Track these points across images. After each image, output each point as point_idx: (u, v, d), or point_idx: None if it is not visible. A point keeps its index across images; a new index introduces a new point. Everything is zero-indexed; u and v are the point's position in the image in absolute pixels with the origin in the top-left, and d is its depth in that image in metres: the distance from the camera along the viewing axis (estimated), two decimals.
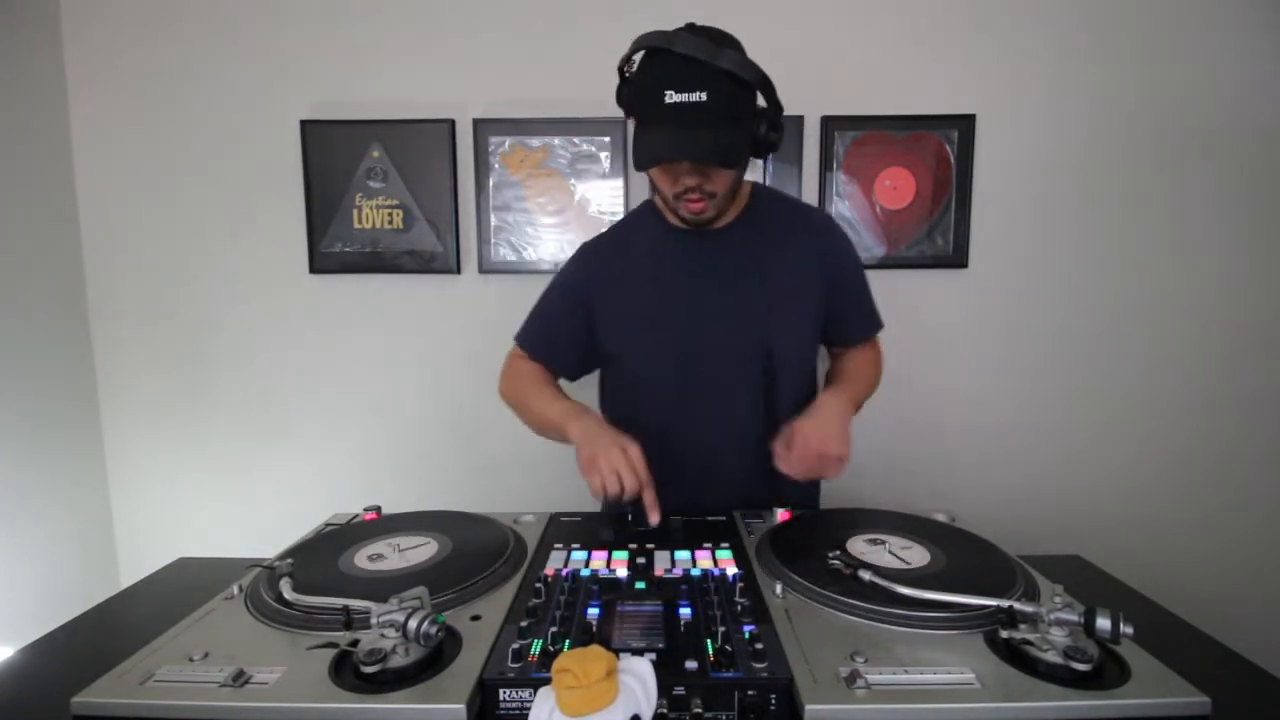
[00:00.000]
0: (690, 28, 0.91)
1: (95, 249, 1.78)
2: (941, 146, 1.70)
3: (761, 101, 0.96)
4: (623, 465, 0.88)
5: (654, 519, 0.89)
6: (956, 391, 1.79)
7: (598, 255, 1.13)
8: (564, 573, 0.79)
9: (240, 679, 0.59)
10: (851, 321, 1.17)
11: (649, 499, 0.90)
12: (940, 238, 1.73)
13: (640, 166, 0.94)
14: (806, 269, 1.08)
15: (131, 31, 1.71)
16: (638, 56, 0.94)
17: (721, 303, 1.06)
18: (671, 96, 0.87)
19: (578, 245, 1.71)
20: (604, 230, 1.19)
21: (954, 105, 1.69)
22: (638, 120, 0.94)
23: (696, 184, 0.96)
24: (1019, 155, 1.71)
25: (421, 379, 1.81)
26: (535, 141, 1.71)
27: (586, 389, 1.21)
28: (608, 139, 1.70)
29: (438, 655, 0.61)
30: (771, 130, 0.97)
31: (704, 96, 0.87)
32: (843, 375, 1.15)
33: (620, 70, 0.98)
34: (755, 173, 1.72)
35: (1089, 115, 1.70)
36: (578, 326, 1.11)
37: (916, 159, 1.70)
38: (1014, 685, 0.58)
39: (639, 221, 1.14)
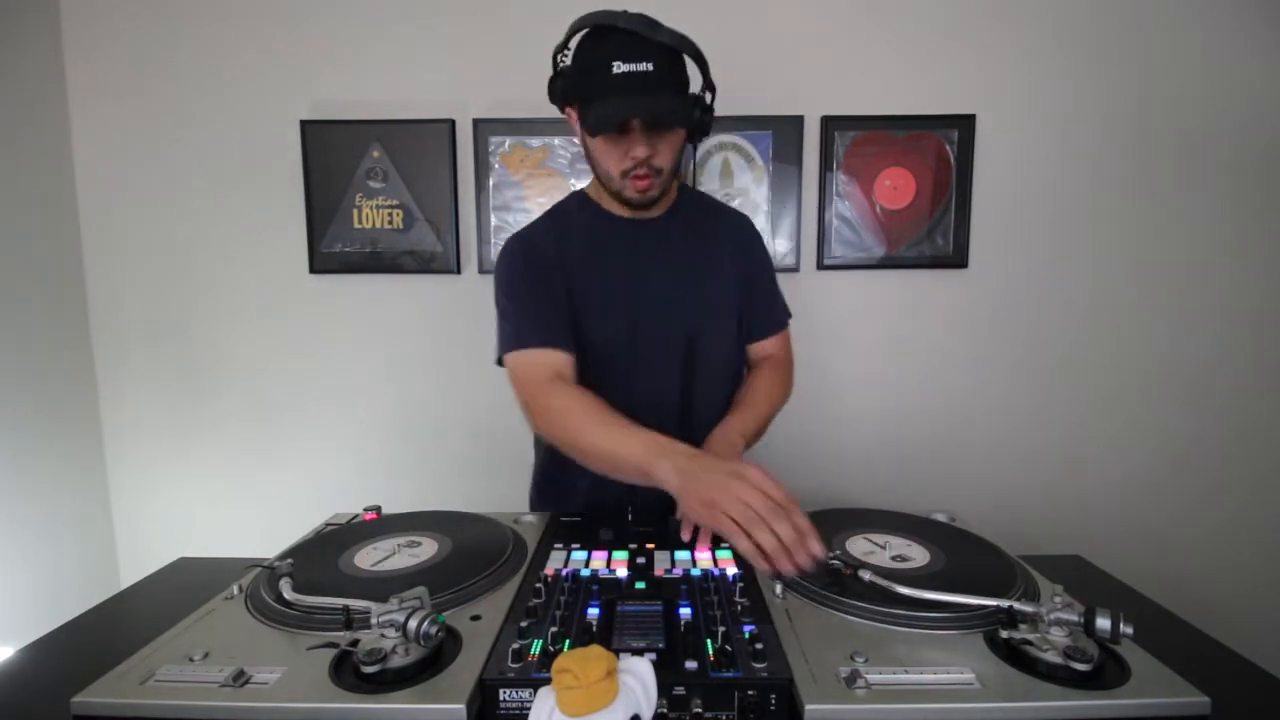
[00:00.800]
0: (625, 13, 0.94)
1: (95, 249, 1.78)
2: (941, 146, 1.70)
3: (695, 88, 1.00)
4: (756, 499, 0.70)
5: (802, 559, 0.65)
6: (956, 391, 1.79)
7: (533, 245, 1.09)
8: (564, 573, 0.79)
9: (240, 679, 0.59)
10: (754, 317, 1.19)
11: (791, 537, 0.67)
12: (940, 238, 1.73)
13: (594, 132, 0.95)
14: (729, 263, 1.13)
15: (131, 32, 1.71)
16: (575, 41, 0.97)
17: (649, 290, 1.08)
18: (619, 67, 0.91)
19: None
20: (529, 224, 1.15)
21: (954, 105, 1.69)
22: (583, 98, 0.96)
23: (646, 156, 0.97)
24: (1019, 155, 1.71)
25: (421, 379, 1.81)
26: (535, 141, 1.71)
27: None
28: None
29: (438, 655, 0.61)
30: (705, 112, 1.01)
31: (650, 67, 0.91)
32: (738, 402, 1.12)
33: (555, 60, 1.00)
34: (761, 176, 1.72)
35: (1089, 115, 1.70)
36: (560, 302, 1.05)
37: (916, 159, 1.70)
38: (1014, 685, 0.58)
39: (571, 211, 1.14)
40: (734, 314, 1.15)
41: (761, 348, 1.21)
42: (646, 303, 1.08)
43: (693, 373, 1.10)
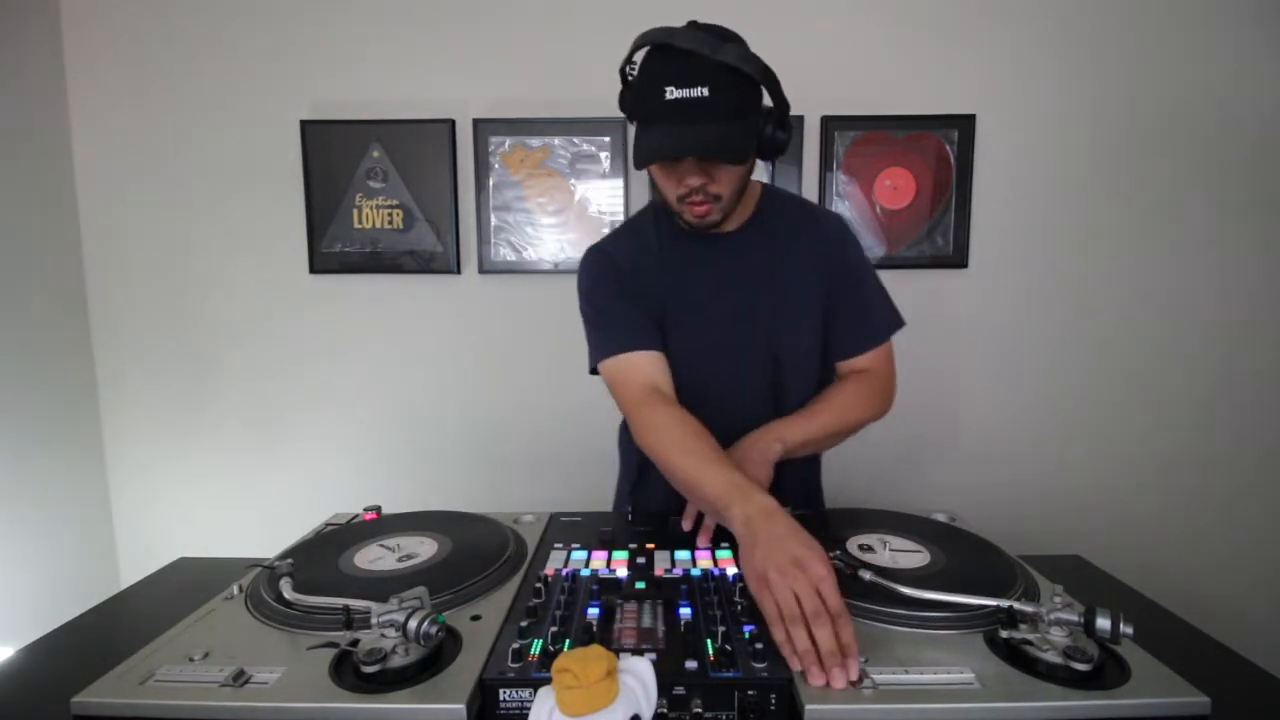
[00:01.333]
0: (693, 24, 0.89)
1: (95, 249, 1.78)
2: (941, 146, 1.70)
3: (767, 100, 0.94)
4: (808, 596, 0.63)
5: (837, 680, 0.58)
6: (956, 391, 1.79)
7: (611, 256, 1.07)
8: (564, 573, 0.79)
9: (240, 679, 0.59)
10: (840, 329, 1.07)
11: (829, 647, 0.60)
12: (940, 238, 1.73)
13: (640, 165, 0.90)
14: (813, 272, 1.05)
15: (131, 32, 1.71)
16: (639, 56, 0.92)
17: (729, 308, 1.04)
18: (672, 93, 0.85)
19: (577, 245, 1.73)
20: (607, 234, 1.14)
21: (954, 105, 1.69)
22: (638, 120, 0.92)
23: (701, 184, 0.92)
24: (1019, 155, 1.71)
25: (422, 379, 1.81)
26: (535, 141, 1.71)
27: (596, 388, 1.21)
28: (608, 139, 1.70)
29: (438, 655, 0.61)
30: (779, 130, 0.94)
31: (705, 92, 0.84)
32: (802, 408, 1.05)
33: (622, 73, 0.95)
34: (762, 175, 1.72)
35: (1089, 115, 1.70)
36: (645, 307, 1.03)
37: (916, 159, 1.70)
38: (1014, 685, 0.58)
39: (645, 224, 1.10)
40: (815, 330, 1.06)
41: (853, 364, 1.08)
42: (722, 321, 1.04)
43: (780, 390, 1.05)
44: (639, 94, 0.91)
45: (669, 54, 0.87)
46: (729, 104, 0.87)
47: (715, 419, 1.02)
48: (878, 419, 1.08)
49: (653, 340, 1.00)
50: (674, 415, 0.93)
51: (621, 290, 1.03)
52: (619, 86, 0.97)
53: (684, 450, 0.88)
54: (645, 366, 0.99)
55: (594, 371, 1.05)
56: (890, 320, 1.10)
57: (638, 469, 1.14)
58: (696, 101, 0.85)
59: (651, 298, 1.03)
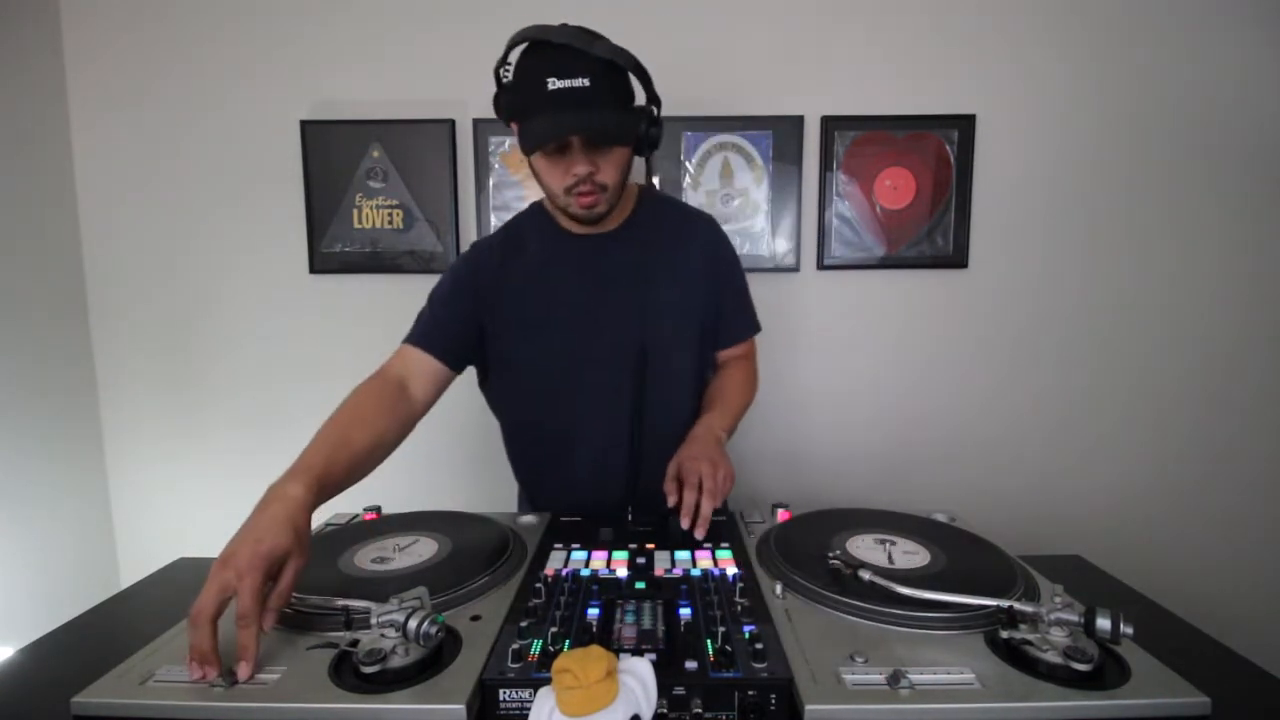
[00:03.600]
0: (564, 26, 0.93)
1: (95, 249, 1.78)
2: (941, 146, 1.70)
3: (640, 99, 0.99)
4: (232, 577, 0.61)
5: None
6: (956, 391, 1.79)
7: (490, 254, 1.12)
8: (564, 573, 0.79)
9: (231, 679, 0.58)
10: (726, 321, 1.17)
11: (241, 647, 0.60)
12: (940, 238, 1.73)
13: (529, 150, 0.94)
14: (689, 271, 1.11)
15: (131, 32, 1.71)
16: (514, 56, 0.96)
17: (599, 304, 1.07)
18: (554, 84, 0.89)
19: None
20: (495, 230, 1.18)
21: (954, 105, 1.69)
22: (520, 115, 0.95)
23: (588, 172, 0.95)
24: (1019, 155, 1.71)
25: None
26: None
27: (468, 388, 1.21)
28: None
29: (438, 655, 0.61)
30: (652, 126, 1.00)
31: (586, 82, 0.89)
32: (712, 400, 1.12)
33: (497, 75, 0.99)
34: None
35: (1089, 115, 1.70)
36: (467, 317, 1.09)
37: (916, 159, 1.70)
38: (1014, 685, 0.58)
39: (529, 223, 1.14)
40: (696, 320, 1.12)
41: (733, 351, 1.20)
42: (594, 317, 1.07)
43: (643, 382, 1.08)
44: (519, 89, 0.95)
45: (548, 49, 0.91)
46: (610, 93, 0.92)
47: (586, 412, 1.09)
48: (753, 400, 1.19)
49: (437, 347, 1.08)
50: (355, 395, 1.06)
51: (460, 295, 1.09)
52: (496, 94, 1.00)
53: (328, 424, 1.02)
54: (408, 360, 1.08)
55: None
56: (755, 323, 1.22)
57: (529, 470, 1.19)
58: (579, 90, 0.89)
59: (519, 296, 1.07)
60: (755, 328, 1.21)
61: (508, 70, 0.98)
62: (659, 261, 1.09)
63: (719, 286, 1.14)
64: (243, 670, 0.59)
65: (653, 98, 1.00)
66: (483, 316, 1.09)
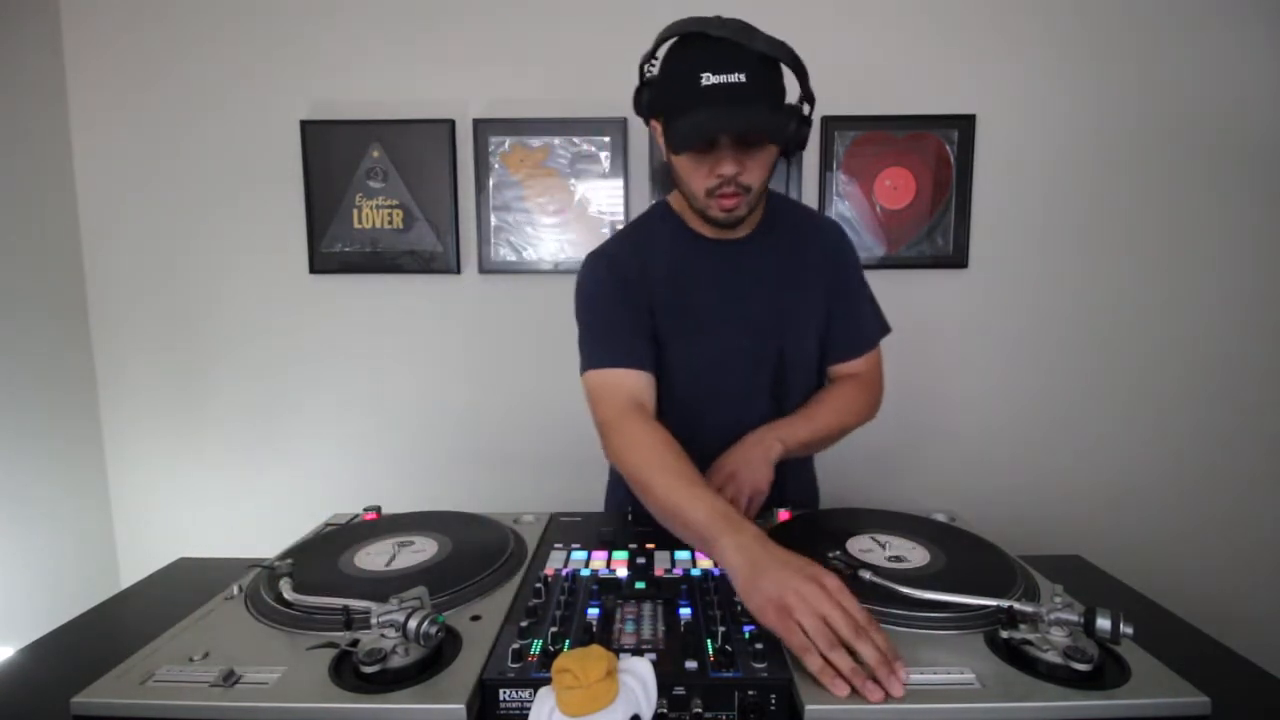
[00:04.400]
0: (719, 18, 0.88)
1: (95, 249, 1.78)
2: (941, 146, 1.70)
3: (792, 96, 0.93)
4: (836, 615, 0.60)
5: (896, 690, 0.56)
6: (956, 391, 1.79)
7: (616, 262, 1.04)
8: (564, 573, 0.79)
9: (230, 679, 0.58)
10: (838, 334, 1.10)
11: (876, 658, 0.58)
12: (940, 238, 1.73)
13: (680, 149, 0.88)
14: (817, 278, 1.07)
15: (131, 32, 1.71)
16: (663, 50, 0.91)
17: (739, 313, 1.03)
18: (709, 79, 0.83)
19: (577, 245, 1.73)
20: (611, 238, 1.11)
21: (954, 105, 1.69)
22: (668, 111, 0.89)
23: (734, 173, 0.90)
24: (1019, 155, 1.71)
25: (422, 379, 1.81)
26: (535, 141, 1.71)
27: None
28: (608, 139, 1.70)
29: (438, 655, 0.61)
30: (802, 124, 0.94)
31: (742, 78, 0.83)
32: (801, 409, 1.06)
33: (641, 70, 0.94)
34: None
35: (1089, 115, 1.70)
36: (644, 321, 1.01)
37: (916, 159, 1.70)
38: (1014, 685, 0.58)
39: (659, 226, 1.08)
40: (820, 331, 1.08)
41: (846, 368, 1.12)
42: (733, 326, 1.03)
43: (781, 395, 1.05)
44: (669, 84, 0.89)
45: (703, 42, 0.86)
46: (765, 89, 0.86)
47: (719, 421, 1.03)
48: (868, 421, 1.11)
49: (645, 359, 0.98)
50: (652, 431, 0.89)
51: (623, 299, 1.00)
52: (619, 86, 0.95)
53: (663, 469, 0.83)
54: (630, 382, 0.96)
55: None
56: (881, 326, 1.13)
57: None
58: (735, 86, 0.84)
59: (656, 303, 1.02)
60: (874, 341, 1.12)
61: (654, 65, 0.93)
62: (792, 269, 1.05)
63: (834, 297, 1.08)
64: (905, 675, 0.57)
65: (807, 94, 0.94)
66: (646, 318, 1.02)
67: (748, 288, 1.04)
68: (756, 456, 0.96)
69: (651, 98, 0.93)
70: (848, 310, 1.09)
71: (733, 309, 1.03)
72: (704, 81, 0.84)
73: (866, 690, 0.56)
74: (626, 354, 0.97)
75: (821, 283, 1.07)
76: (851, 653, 0.59)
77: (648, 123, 0.97)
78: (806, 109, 0.94)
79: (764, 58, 0.85)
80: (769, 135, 0.88)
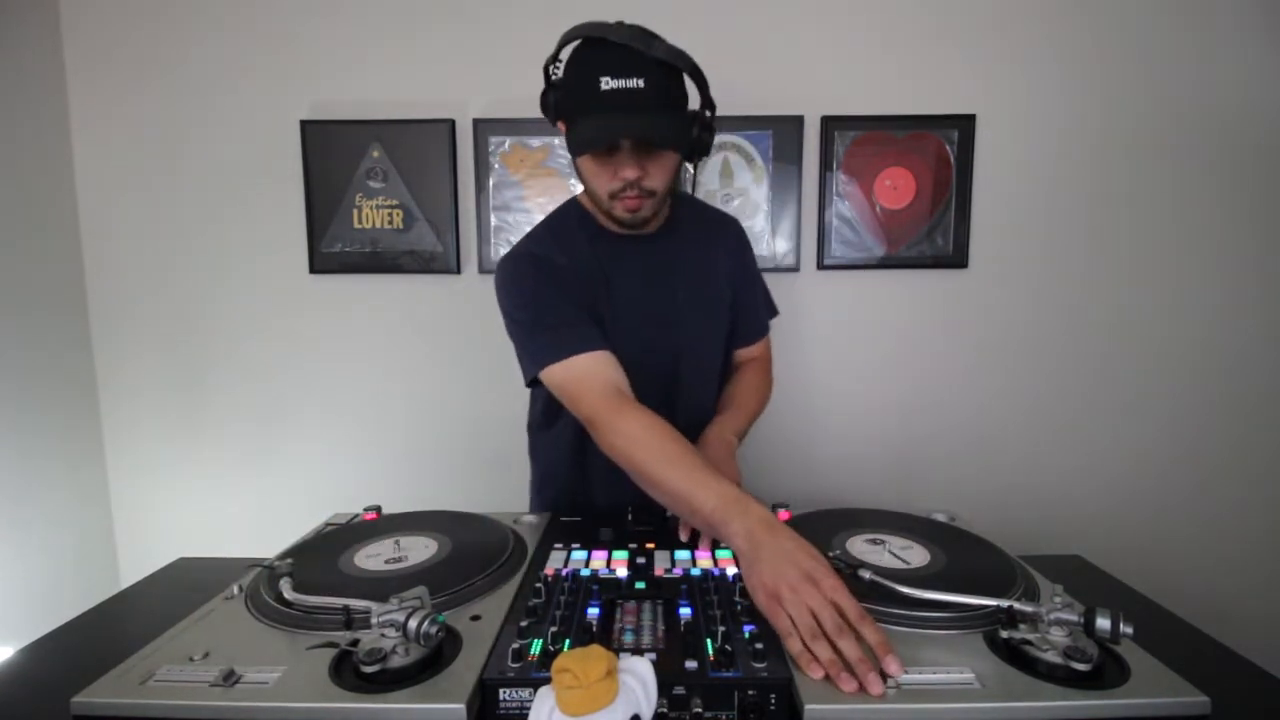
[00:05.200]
0: (620, 24, 0.89)
1: (95, 249, 1.78)
2: (941, 146, 1.70)
3: (693, 104, 0.96)
4: (826, 612, 0.63)
5: (873, 688, 0.56)
6: (956, 391, 1.79)
7: (538, 258, 1.04)
8: (564, 573, 0.79)
9: (231, 679, 0.59)
10: (743, 322, 1.20)
11: (855, 655, 0.59)
12: (940, 238, 1.73)
13: (578, 153, 0.91)
14: (721, 272, 1.13)
15: (131, 31, 1.71)
16: (566, 53, 0.92)
17: (642, 306, 1.06)
18: (608, 83, 0.86)
19: None
20: (525, 237, 1.09)
21: (954, 105, 1.69)
22: (570, 115, 0.92)
23: (636, 178, 0.92)
24: (1019, 155, 1.71)
25: (421, 379, 1.81)
26: (535, 141, 1.71)
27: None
28: None
29: (438, 655, 0.61)
30: (704, 131, 0.97)
31: (641, 83, 0.85)
32: (726, 403, 1.15)
33: (546, 71, 0.96)
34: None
35: (1089, 114, 1.70)
36: (583, 308, 1.01)
37: (916, 159, 1.70)
38: (1014, 685, 0.58)
39: (573, 221, 1.08)
40: (724, 320, 1.16)
41: (748, 351, 1.24)
42: (636, 317, 1.06)
43: (676, 382, 1.09)
44: (571, 87, 0.91)
45: (603, 47, 0.87)
46: (664, 95, 0.88)
47: None
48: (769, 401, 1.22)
49: (599, 339, 0.97)
50: (648, 421, 0.89)
51: (562, 290, 1.00)
52: (544, 90, 0.97)
53: (668, 461, 0.84)
54: (600, 368, 0.94)
55: (533, 383, 1.01)
56: (771, 310, 1.27)
57: (568, 472, 1.15)
58: (633, 92, 0.86)
59: (591, 297, 1.04)
60: (767, 326, 1.25)
61: (558, 67, 0.94)
62: (693, 263, 1.10)
63: (740, 287, 1.17)
64: (896, 667, 0.58)
65: (707, 102, 0.97)
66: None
67: (655, 283, 1.07)
68: (721, 454, 0.99)
69: (556, 100, 0.95)
70: (750, 299, 1.20)
71: (637, 302, 1.06)
72: (603, 86, 0.86)
73: (840, 681, 0.57)
74: (586, 339, 0.96)
75: (725, 276, 1.14)
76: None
77: (554, 124, 0.98)
78: (709, 115, 0.98)
79: (663, 64, 0.87)
80: (666, 142, 0.90)
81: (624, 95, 0.86)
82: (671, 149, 0.93)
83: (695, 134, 0.96)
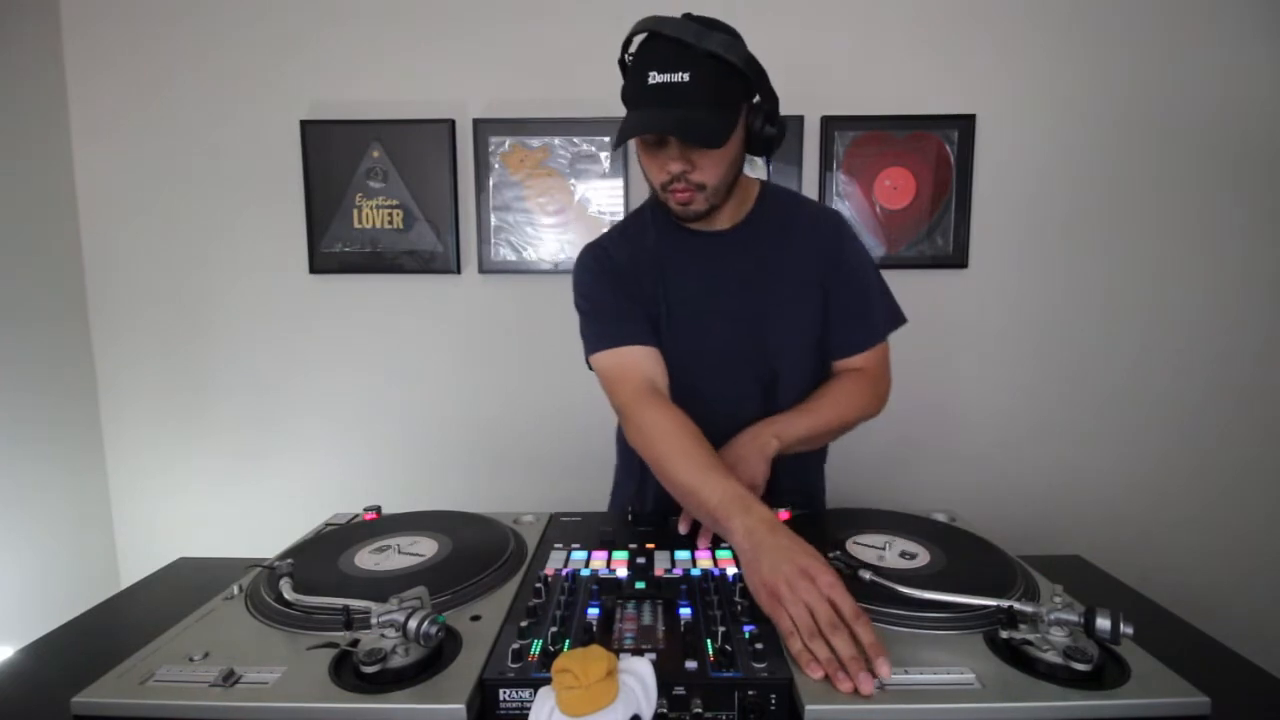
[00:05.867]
0: (687, 16, 0.89)
1: (95, 249, 1.78)
2: (941, 146, 1.70)
3: (755, 96, 0.94)
4: (822, 609, 0.63)
5: (864, 687, 0.57)
6: (956, 391, 1.79)
7: (608, 253, 1.07)
8: (564, 573, 0.79)
9: (230, 679, 0.58)
10: (839, 327, 1.06)
11: (849, 654, 0.60)
12: (940, 238, 1.73)
13: (614, 143, 0.92)
14: (810, 270, 1.05)
15: (132, 32, 1.71)
16: (634, 44, 0.92)
17: (724, 307, 1.04)
18: (654, 77, 0.86)
19: (577, 245, 1.72)
20: (605, 231, 1.14)
21: (954, 105, 1.69)
22: (626, 105, 0.92)
23: (681, 171, 0.92)
24: (1019, 155, 1.71)
25: (421, 379, 1.81)
26: (535, 141, 1.71)
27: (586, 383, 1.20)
28: (608, 139, 1.70)
29: (438, 655, 0.61)
30: (767, 124, 0.94)
31: (685, 77, 0.85)
32: (800, 403, 1.05)
33: (621, 64, 0.95)
34: (758, 173, 1.72)
35: (1088, 115, 1.70)
36: (640, 305, 1.03)
37: (916, 159, 1.70)
38: (1014, 685, 0.58)
39: (644, 221, 1.09)
40: (813, 323, 1.05)
41: (850, 362, 1.08)
42: (712, 319, 1.03)
43: (774, 390, 1.05)
44: (628, 81, 0.92)
45: (655, 40, 0.88)
46: (708, 90, 0.87)
47: (710, 418, 1.01)
48: (873, 417, 1.08)
49: (648, 335, 1.00)
50: (671, 416, 0.92)
51: (618, 285, 1.03)
52: (619, 86, 0.96)
53: (682, 454, 0.87)
54: (642, 362, 0.98)
55: (590, 366, 1.05)
56: (888, 319, 1.10)
57: (640, 468, 1.10)
58: (676, 86, 0.85)
59: (646, 295, 1.03)
60: (867, 341, 1.08)
61: (631, 60, 0.93)
62: (780, 262, 1.04)
63: (839, 286, 1.06)
64: (885, 670, 0.59)
65: (767, 95, 0.93)
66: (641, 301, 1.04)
67: (731, 281, 1.04)
68: (752, 452, 0.96)
69: (622, 92, 0.95)
70: (849, 304, 1.07)
71: (717, 302, 1.04)
72: (650, 80, 0.86)
73: (837, 680, 0.58)
74: (630, 332, 1.00)
75: (814, 276, 1.05)
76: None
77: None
78: (771, 109, 0.94)
79: (714, 57, 0.86)
80: (704, 138, 0.88)
81: (667, 90, 0.86)
82: (708, 146, 0.90)
83: (758, 127, 0.93)
